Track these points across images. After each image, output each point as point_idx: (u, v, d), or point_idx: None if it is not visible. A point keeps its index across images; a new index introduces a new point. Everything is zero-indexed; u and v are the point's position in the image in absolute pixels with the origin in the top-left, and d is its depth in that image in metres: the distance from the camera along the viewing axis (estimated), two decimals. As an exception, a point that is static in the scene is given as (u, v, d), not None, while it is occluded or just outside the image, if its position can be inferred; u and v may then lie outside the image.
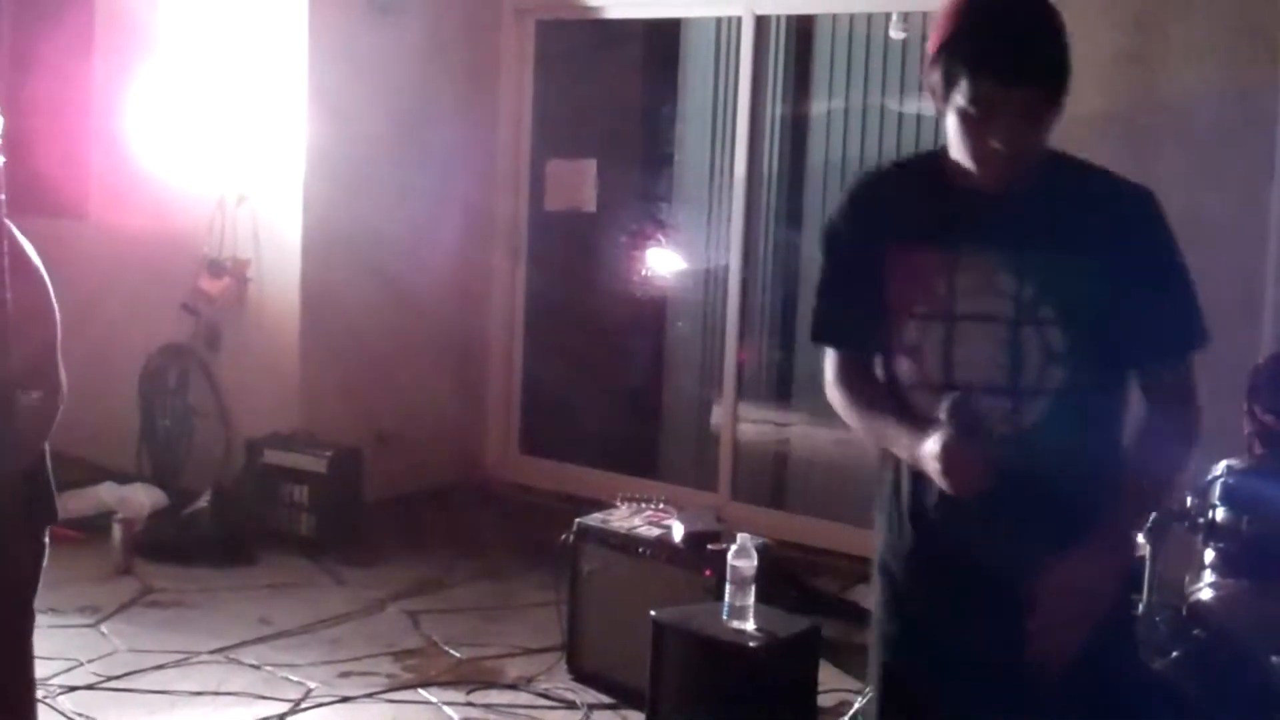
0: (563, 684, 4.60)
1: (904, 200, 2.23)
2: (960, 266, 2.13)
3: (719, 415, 6.45)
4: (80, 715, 4.18)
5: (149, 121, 6.54)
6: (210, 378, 6.44)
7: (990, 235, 2.12)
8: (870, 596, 2.45)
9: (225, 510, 5.83)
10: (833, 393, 2.35)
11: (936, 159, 2.21)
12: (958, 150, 2.12)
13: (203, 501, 5.87)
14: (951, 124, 2.10)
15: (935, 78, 2.11)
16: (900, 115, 6.51)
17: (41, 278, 2.85)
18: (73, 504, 5.99)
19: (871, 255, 2.21)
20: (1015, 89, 2.02)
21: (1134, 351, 2.17)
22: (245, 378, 6.38)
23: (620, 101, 7.38)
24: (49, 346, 2.87)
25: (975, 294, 2.12)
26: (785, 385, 6.96)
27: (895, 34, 6.56)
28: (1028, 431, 2.11)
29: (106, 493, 6.08)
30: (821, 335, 2.37)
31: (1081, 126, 4.89)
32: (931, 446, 2.06)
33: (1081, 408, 2.13)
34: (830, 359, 2.36)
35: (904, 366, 2.20)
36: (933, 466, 2.07)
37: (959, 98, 2.05)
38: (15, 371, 2.70)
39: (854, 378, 2.31)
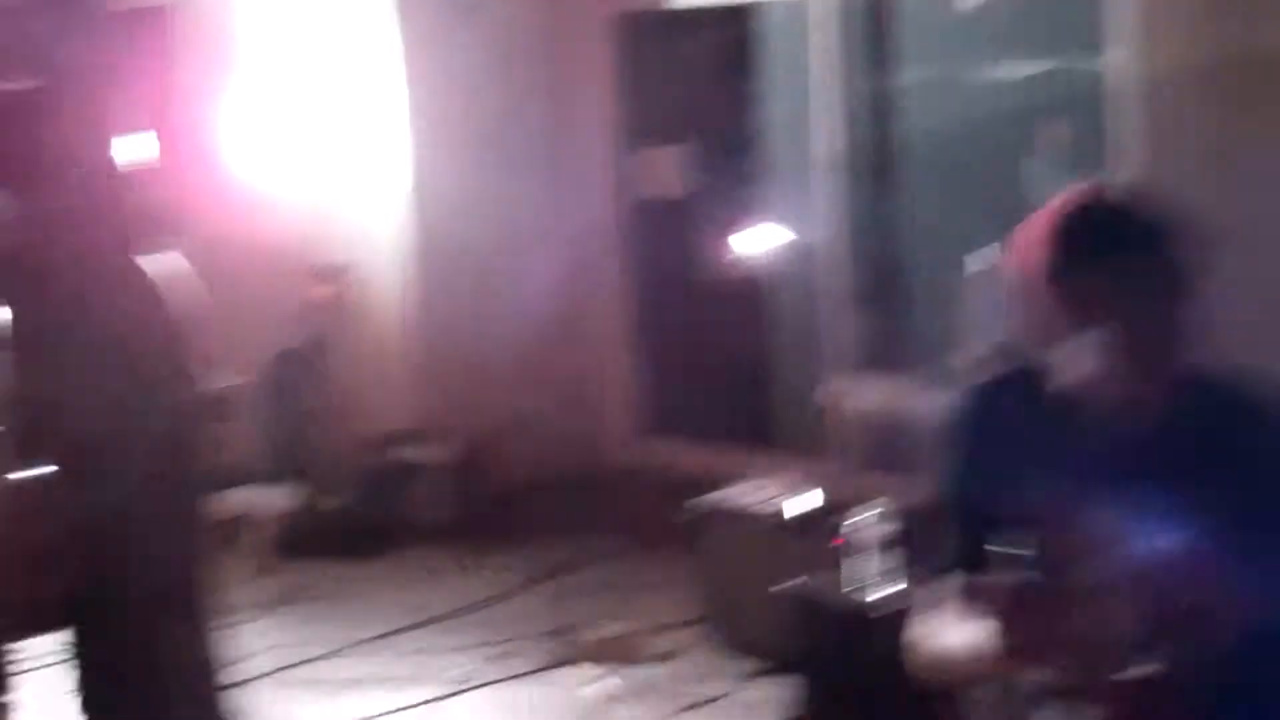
0: (703, 656, 4.75)
1: (1016, 430, 1.92)
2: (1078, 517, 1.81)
3: (831, 387, 6.52)
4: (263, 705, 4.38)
5: (252, 134, 6.72)
6: (330, 380, 6.62)
7: (1111, 482, 1.80)
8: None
9: (357, 506, 6.02)
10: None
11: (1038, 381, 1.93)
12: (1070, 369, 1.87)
13: (335, 500, 6.06)
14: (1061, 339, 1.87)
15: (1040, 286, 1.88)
16: (987, 82, 6.60)
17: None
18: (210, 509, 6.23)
19: (982, 490, 1.90)
20: (1117, 266, 1.83)
21: None
22: (363, 377, 6.56)
23: (705, 86, 7.50)
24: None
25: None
26: (892, 355, 7.04)
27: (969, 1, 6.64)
28: None
29: (242, 496, 6.28)
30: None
31: (1169, 83, 4.95)
32: None
33: None
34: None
35: None
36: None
37: (1062, 294, 1.84)
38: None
39: None
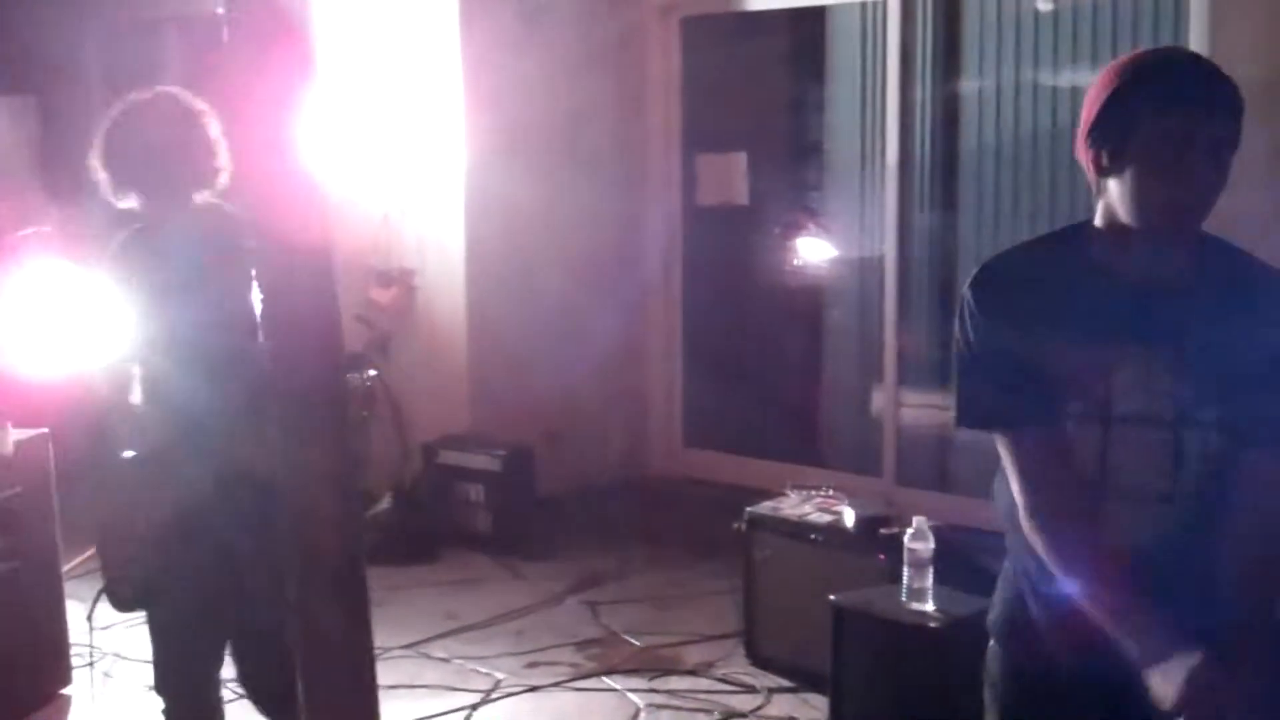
0: (741, 669, 4.71)
1: (1052, 287, 2.06)
2: (1118, 364, 2.01)
3: (880, 401, 6.46)
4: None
5: (314, 140, 6.77)
6: (385, 384, 6.66)
7: (1149, 330, 2.02)
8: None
9: (406, 511, 6.04)
10: (1032, 507, 2.05)
11: (1081, 240, 2.09)
12: (1132, 213, 2.00)
13: (384, 504, 6.08)
14: (1125, 184, 2.00)
15: (1104, 132, 2.01)
16: (1054, 90, 6.44)
17: None
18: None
19: (1021, 343, 2.04)
20: (1208, 118, 1.96)
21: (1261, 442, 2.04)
22: (417, 383, 6.58)
23: (768, 92, 7.43)
24: None
25: (1134, 393, 2.01)
26: (945, 369, 6.92)
27: (1043, 6, 6.50)
28: (1181, 532, 2.04)
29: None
30: (985, 418, 2.10)
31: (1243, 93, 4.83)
32: (1178, 673, 1.90)
33: (1225, 502, 2.05)
34: (1010, 450, 2.08)
35: None
36: (1170, 687, 1.90)
37: (1139, 144, 1.97)
38: None
39: (1060, 486, 2.05)
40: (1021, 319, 2.05)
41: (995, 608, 2.27)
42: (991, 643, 2.28)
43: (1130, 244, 2.03)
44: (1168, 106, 1.96)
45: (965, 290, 2.11)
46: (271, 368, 3.01)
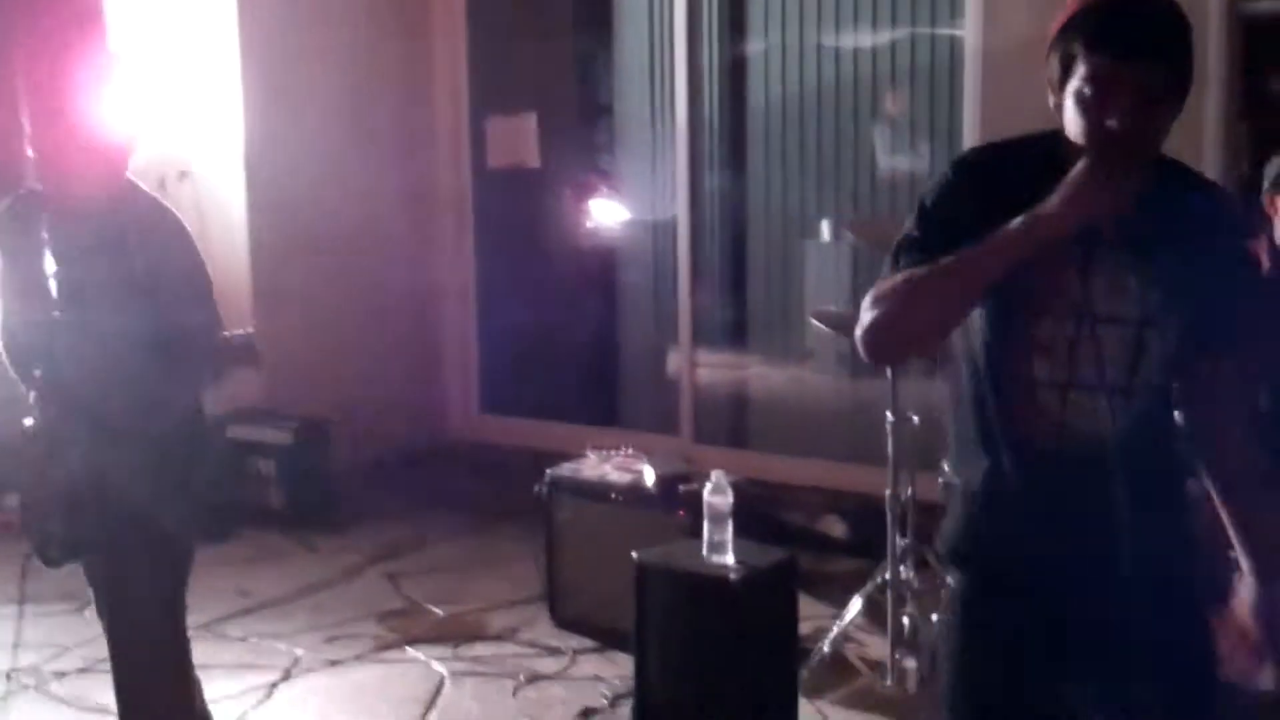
0: (546, 632, 4.70)
1: (1028, 186, 2.12)
2: (1093, 267, 2.14)
3: (676, 361, 6.52)
4: (75, 699, 4.21)
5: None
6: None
7: (1119, 237, 2.13)
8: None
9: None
10: (881, 289, 2.16)
11: (1057, 146, 2.16)
12: (1077, 139, 2.10)
13: (172, 481, 5.86)
14: (1070, 113, 2.10)
15: (1054, 64, 2.11)
16: (837, 50, 6.56)
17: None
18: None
19: (986, 226, 2.10)
20: (1130, 64, 2.03)
21: (1208, 346, 2.24)
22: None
23: (557, 54, 7.39)
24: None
25: (1107, 296, 2.15)
26: (740, 328, 7.03)
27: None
28: (1136, 423, 2.18)
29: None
30: (911, 249, 2.17)
31: (1015, 53, 5.00)
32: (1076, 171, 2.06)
33: (1168, 399, 2.25)
34: (884, 281, 2.18)
35: (1033, 363, 2.19)
36: (1069, 191, 2.04)
37: (1075, 80, 2.07)
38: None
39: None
40: (994, 206, 2.11)
41: (948, 538, 2.31)
42: (952, 577, 2.30)
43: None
44: (1096, 47, 2.04)
45: (947, 168, 2.22)
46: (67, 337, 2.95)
